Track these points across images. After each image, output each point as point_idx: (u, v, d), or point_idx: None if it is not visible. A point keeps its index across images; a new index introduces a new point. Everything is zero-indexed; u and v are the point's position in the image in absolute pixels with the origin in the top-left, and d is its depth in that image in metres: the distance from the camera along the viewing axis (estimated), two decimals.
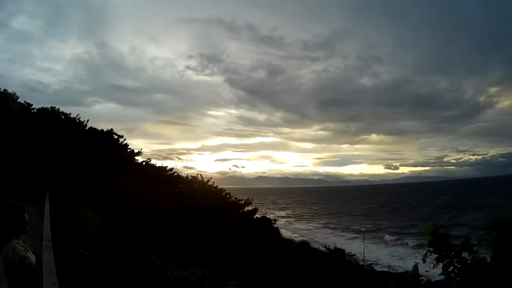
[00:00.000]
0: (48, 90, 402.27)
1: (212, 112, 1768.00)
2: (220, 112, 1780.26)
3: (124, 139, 31.66)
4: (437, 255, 1.95)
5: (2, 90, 28.32)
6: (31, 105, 28.45)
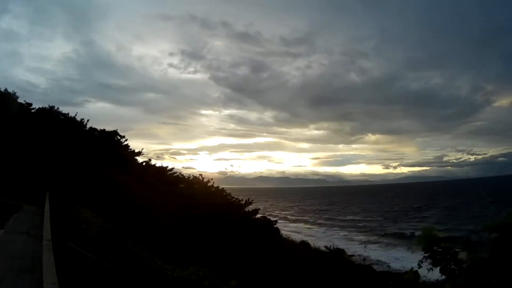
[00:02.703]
0: (38, 89, 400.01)
1: (203, 111, 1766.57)
2: (211, 111, 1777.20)
3: (126, 140, 31.74)
4: (432, 260, 1.97)
5: (2, 90, 28.37)
6: (31, 104, 28.49)
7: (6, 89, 28.54)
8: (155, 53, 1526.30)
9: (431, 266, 1.99)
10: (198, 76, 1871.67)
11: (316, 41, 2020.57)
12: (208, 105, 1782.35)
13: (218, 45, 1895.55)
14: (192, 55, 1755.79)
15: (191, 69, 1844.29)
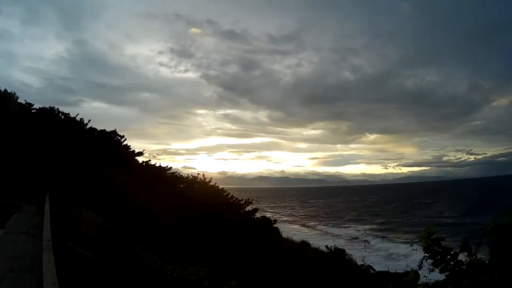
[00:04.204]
0: (31, 89, 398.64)
1: (198, 111, 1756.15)
2: (205, 111, 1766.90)
3: (125, 140, 31.72)
4: (432, 260, 1.97)
5: (2, 90, 28.37)
6: (32, 105, 28.48)
7: (5, 89, 28.58)
8: (147, 52, 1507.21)
9: (431, 266, 2.00)
10: (189, 75, 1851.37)
11: (305, 38, 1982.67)
12: (202, 104, 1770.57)
13: (207, 43, 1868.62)
14: (182, 53, 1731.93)
15: (181, 68, 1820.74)
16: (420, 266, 2.10)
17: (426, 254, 1.98)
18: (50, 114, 28.06)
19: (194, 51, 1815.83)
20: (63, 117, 28.74)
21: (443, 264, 1.95)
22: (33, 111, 28.21)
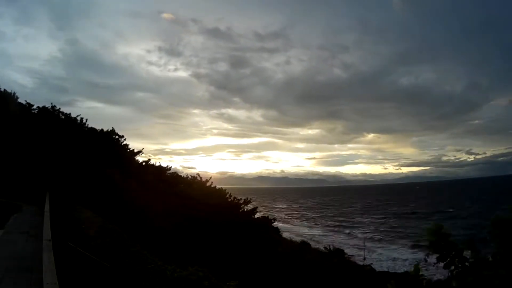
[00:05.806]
0: (26, 90, 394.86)
1: (193, 110, 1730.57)
2: (200, 110, 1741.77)
3: (125, 139, 31.68)
4: (438, 255, 1.95)
5: (2, 90, 28.37)
6: (32, 105, 28.49)
7: (5, 90, 28.58)
8: (137, 51, 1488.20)
9: (436, 261, 1.98)
10: (180, 73, 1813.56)
11: (292, 35, 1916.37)
12: (195, 103, 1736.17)
13: (194, 42, 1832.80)
14: (170, 52, 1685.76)
15: (171, 66, 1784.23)
16: (425, 259, 2.09)
17: (432, 248, 1.96)
18: (50, 114, 28.05)
19: (182, 49, 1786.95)
20: (63, 117, 28.74)
21: (448, 260, 1.93)
22: (33, 111, 28.21)
